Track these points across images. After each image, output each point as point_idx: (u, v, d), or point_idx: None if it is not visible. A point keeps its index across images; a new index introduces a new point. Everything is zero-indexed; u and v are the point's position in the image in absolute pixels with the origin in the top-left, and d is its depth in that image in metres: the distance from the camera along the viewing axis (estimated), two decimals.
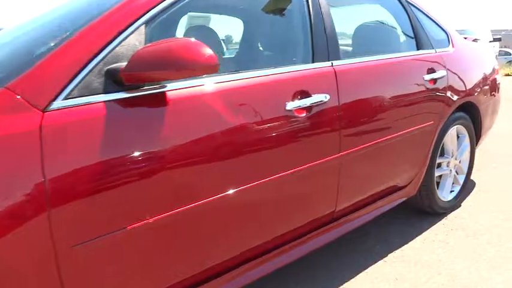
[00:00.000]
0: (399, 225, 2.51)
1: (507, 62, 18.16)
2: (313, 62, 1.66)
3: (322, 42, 1.69)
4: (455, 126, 2.54)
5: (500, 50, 16.21)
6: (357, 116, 1.76)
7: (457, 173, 2.77)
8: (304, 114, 1.53)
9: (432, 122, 2.23)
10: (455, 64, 2.42)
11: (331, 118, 1.63)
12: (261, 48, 1.94)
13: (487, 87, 2.77)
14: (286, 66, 1.58)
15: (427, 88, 2.17)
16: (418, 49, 2.25)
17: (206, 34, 1.96)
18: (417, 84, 2.11)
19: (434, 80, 2.21)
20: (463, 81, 2.46)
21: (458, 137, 2.67)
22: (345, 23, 2.11)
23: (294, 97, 1.51)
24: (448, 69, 2.32)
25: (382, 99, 1.90)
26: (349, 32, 2.17)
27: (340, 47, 1.82)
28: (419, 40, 2.27)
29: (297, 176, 1.55)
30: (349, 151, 1.73)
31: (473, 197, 2.95)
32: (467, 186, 2.93)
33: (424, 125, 2.18)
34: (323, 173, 1.67)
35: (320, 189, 1.71)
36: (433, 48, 2.32)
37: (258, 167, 1.41)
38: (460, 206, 2.80)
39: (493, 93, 2.90)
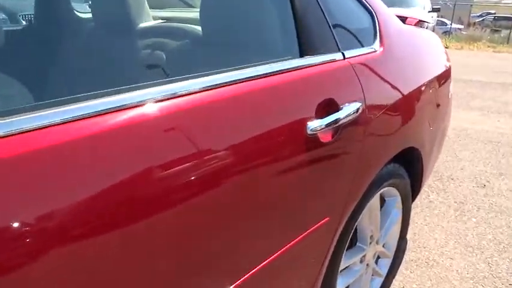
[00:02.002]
0: None
1: (443, 33, 17.77)
2: None
3: None
4: (379, 193, 1.36)
5: (437, 20, 15.60)
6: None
7: (379, 257, 1.64)
8: None
9: (328, 218, 1.02)
10: (384, 81, 1.19)
11: None
12: None
13: (436, 111, 1.60)
14: None
15: (316, 150, 0.92)
16: (302, 55, 0.98)
17: None
18: (291, 149, 0.86)
19: (335, 129, 0.97)
20: (398, 113, 1.25)
21: (384, 200, 1.51)
22: None
23: None
24: (367, 94, 1.09)
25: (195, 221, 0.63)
26: None
27: None
28: (306, 35, 0.98)
29: None
30: None
31: (403, 281, 1.85)
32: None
33: (310, 229, 0.96)
34: None
35: None
36: (338, 51, 1.06)
37: None
38: None
39: (444, 117, 1.75)
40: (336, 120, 0.95)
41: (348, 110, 0.99)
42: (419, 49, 1.55)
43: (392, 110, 1.22)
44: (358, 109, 1.03)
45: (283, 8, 0.97)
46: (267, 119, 0.84)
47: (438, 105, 1.61)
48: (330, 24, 1.04)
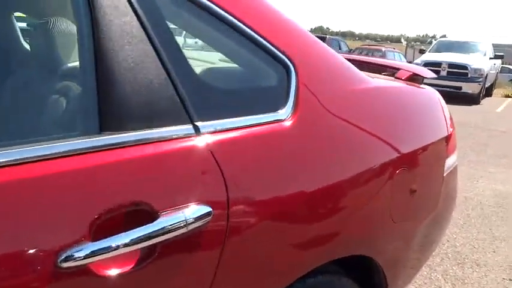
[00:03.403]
0: None
1: (510, 80, 16.51)
2: None
3: None
4: None
5: (502, 67, 14.48)
6: None
7: None
8: None
9: None
10: (284, 166, 0.80)
11: None
12: None
13: (409, 200, 1.16)
14: None
15: None
16: (102, 130, 0.62)
17: None
18: None
19: (142, 253, 0.59)
20: (314, 212, 0.85)
21: None
22: None
23: None
24: (236, 189, 0.70)
25: None
26: None
27: None
28: (113, 99, 0.62)
29: None
30: None
31: None
32: None
33: None
34: None
35: None
36: (188, 123, 0.70)
37: None
38: None
39: (431, 205, 1.29)
40: (136, 240, 0.58)
41: (174, 220, 0.62)
42: (386, 115, 1.13)
43: (300, 208, 0.82)
44: (203, 216, 0.65)
45: (77, 53, 0.64)
46: None
47: (413, 192, 1.17)
48: (175, 79, 0.68)
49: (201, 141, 0.69)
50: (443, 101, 1.52)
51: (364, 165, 0.97)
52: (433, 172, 1.30)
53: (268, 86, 0.86)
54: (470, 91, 9.72)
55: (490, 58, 10.70)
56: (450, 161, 1.43)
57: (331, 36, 15.69)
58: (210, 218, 0.66)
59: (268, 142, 0.79)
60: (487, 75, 10.08)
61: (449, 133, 1.43)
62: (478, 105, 9.83)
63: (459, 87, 9.67)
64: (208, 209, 0.66)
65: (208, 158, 0.69)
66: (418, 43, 25.88)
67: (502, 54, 11.34)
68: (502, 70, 14.84)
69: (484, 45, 11.05)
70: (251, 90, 0.85)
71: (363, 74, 1.17)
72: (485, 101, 10.59)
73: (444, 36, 12.44)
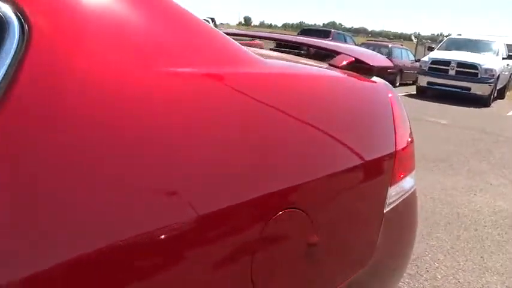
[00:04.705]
0: None
1: None
2: None
3: None
4: None
5: None
6: None
7: None
8: None
9: None
10: None
11: None
12: None
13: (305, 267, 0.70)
14: None
15: None
16: None
17: None
18: None
19: None
20: None
21: None
22: None
23: None
24: None
25: None
26: None
27: None
28: None
29: None
30: None
31: None
32: None
33: None
34: None
35: None
36: None
37: None
38: None
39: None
40: None
41: None
42: (270, 117, 0.67)
43: None
44: None
45: None
46: None
47: (312, 246, 0.71)
48: None
49: None
50: (397, 101, 1.05)
51: (199, 207, 0.51)
52: (361, 210, 0.84)
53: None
54: (479, 92, 9.14)
55: (503, 58, 10.08)
56: (399, 189, 0.97)
57: (336, 31, 15.15)
58: None
59: None
60: (499, 76, 9.48)
61: (398, 148, 0.97)
62: (488, 108, 9.24)
63: (468, 87, 9.11)
64: None
65: None
66: (429, 41, 25.04)
67: None
68: None
69: (496, 45, 10.41)
70: None
71: (251, 54, 0.72)
72: (496, 104, 9.98)
73: (459, 35, 11.77)
